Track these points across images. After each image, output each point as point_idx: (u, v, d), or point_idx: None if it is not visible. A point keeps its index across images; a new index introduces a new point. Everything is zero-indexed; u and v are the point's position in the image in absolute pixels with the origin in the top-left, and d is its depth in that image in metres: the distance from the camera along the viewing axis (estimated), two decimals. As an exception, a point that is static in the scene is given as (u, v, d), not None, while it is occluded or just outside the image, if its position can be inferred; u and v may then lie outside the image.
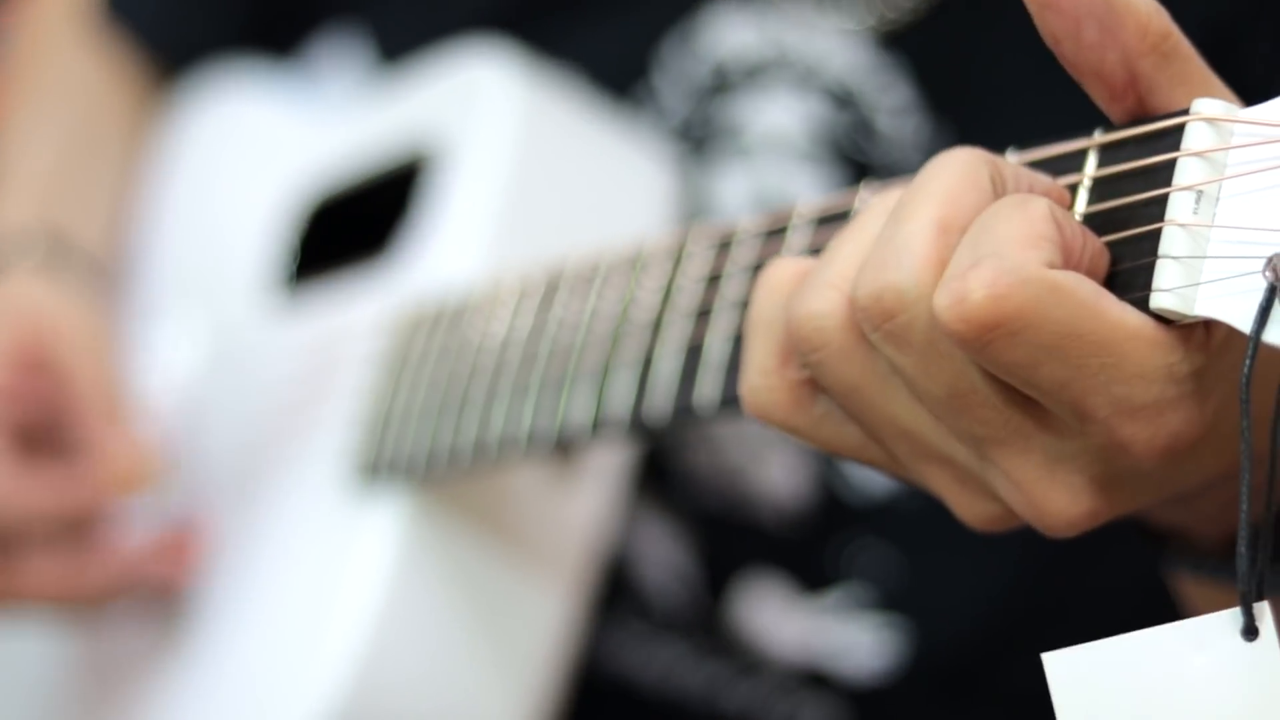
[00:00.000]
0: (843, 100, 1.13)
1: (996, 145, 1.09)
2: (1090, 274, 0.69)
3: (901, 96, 1.11)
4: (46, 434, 1.23)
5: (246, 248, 1.27)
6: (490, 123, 1.12)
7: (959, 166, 0.71)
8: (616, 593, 1.20)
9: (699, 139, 1.16)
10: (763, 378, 0.76)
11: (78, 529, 1.21)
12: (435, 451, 1.03)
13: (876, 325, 0.70)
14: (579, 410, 0.93)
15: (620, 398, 0.90)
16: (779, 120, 1.14)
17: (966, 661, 1.16)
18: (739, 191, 1.15)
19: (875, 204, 0.74)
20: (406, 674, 1.04)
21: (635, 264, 0.92)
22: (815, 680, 1.18)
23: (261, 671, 1.10)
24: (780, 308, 0.75)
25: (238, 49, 1.37)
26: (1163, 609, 0.83)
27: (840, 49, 1.13)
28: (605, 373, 0.91)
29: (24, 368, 1.23)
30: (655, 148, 1.15)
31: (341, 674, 1.03)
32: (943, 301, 0.67)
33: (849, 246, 0.73)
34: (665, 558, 1.19)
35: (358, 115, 1.26)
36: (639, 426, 0.89)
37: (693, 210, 1.15)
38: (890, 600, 1.15)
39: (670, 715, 1.22)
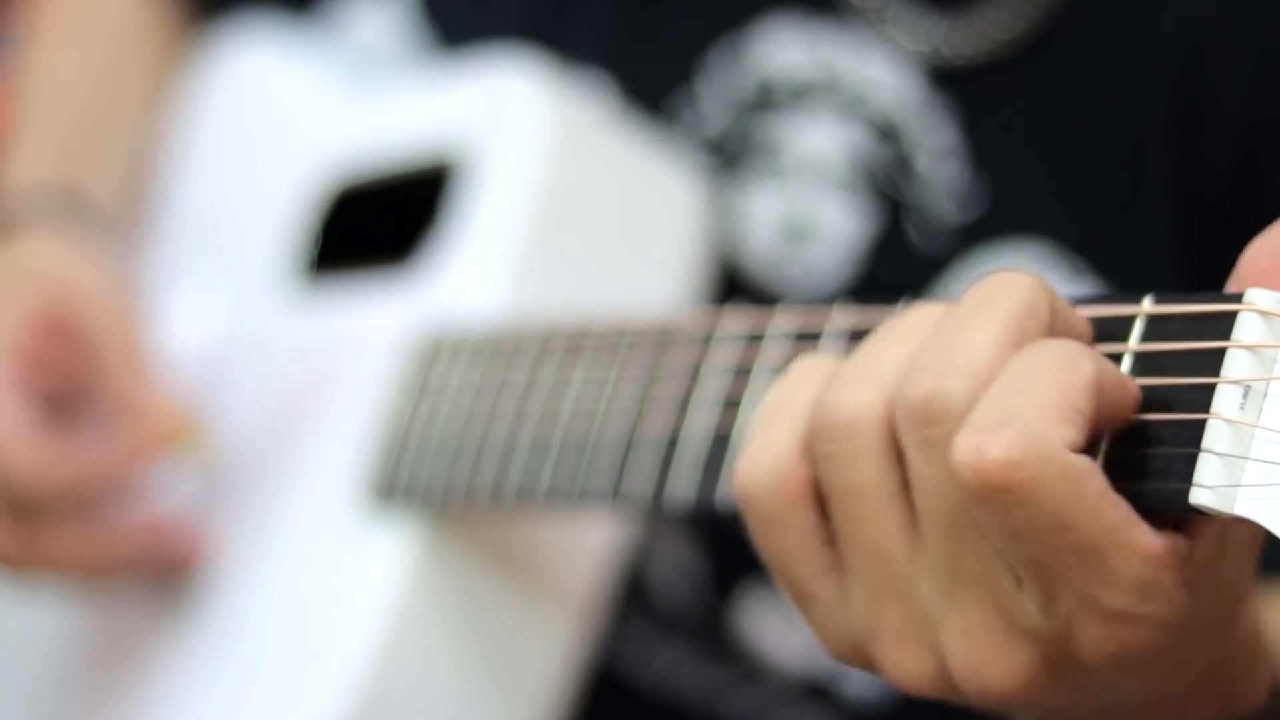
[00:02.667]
0: (885, 134, 1.11)
1: (1028, 211, 1.09)
2: (1115, 417, 0.69)
3: (945, 140, 1.10)
4: (71, 402, 1.21)
5: (269, 223, 1.26)
6: (522, 142, 1.10)
7: (1024, 291, 0.70)
8: (623, 587, 1.20)
9: (734, 153, 1.15)
10: (772, 460, 0.74)
11: (100, 500, 1.19)
12: (451, 488, 1.02)
13: (917, 427, 0.69)
14: (600, 479, 0.92)
15: (642, 476, 0.89)
16: (818, 145, 1.13)
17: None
18: (769, 211, 1.14)
19: (919, 312, 0.73)
20: (408, 704, 1.04)
21: (664, 337, 0.91)
22: (815, 693, 1.18)
23: (262, 684, 1.10)
24: (809, 397, 0.74)
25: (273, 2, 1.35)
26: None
27: (891, 82, 1.11)
28: (629, 446, 0.90)
29: (48, 332, 1.21)
30: (687, 166, 1.14)
31: (344, 699, 1.03)
32: (960, 447, 0.67)
33: (896, 347, 0.72)
34: (674, 556, 1.19)
35: (388, 100, 1.24)
36: (660, 510, 0.88)
37: (722, 228, 1.14)
38: None
39: (668, 716, 1.22)
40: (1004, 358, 0.68)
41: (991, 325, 0.69)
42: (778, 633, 1.17)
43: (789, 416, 0.74)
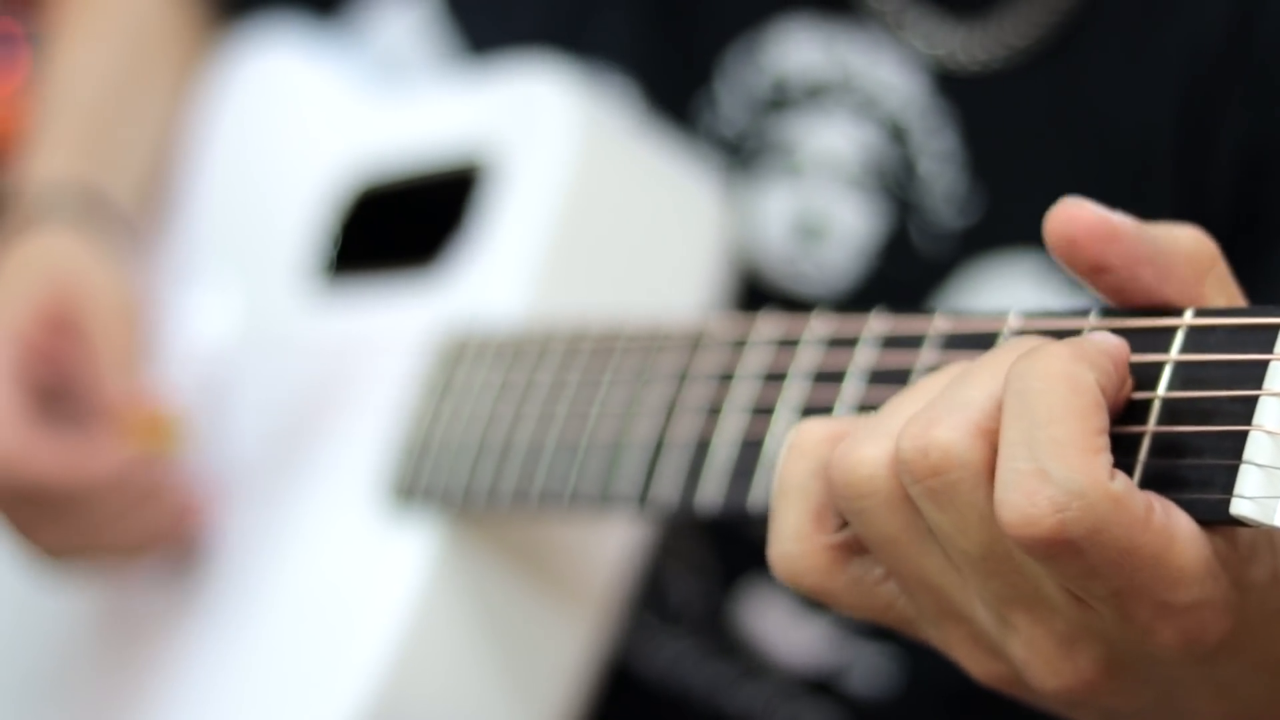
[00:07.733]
0: (894, 135, 1.12)
1: (1025, 222, 1.09)
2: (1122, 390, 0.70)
3: (946, 145, 1.11)
4: (63, 398, 1.21)
5: (290, 223, 1.26)
6: (547, 147, 1.11)
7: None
8: (640, 584, 1.20)
9: (751, 152, 1.16)
10: (795, 543, 0.76)
11: (77, 498, 1.19)
12: (474, 490, 1.03)
13: (918, 479, 0.70)
14: (626, 483, 0.92)
15: (670, 479, 0.89)
16: (833, 143, 1.13)
17: (963, 689, 1.17)
18: (783, 210, 1.14)
19: (945, 370, 0.75)
20: (426, 701, 1.04)
21: (695, 341, 0.91)
22: (818, 688, 1.19)
23: (281, 680, 1.10)
24: (811, 474, 0.76)
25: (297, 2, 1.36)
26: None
27: (898, 84, 1.12)
28: (657, 450, 0.91)
29: (53, 327, 1.21)
30: (707, 170, 1.14)
31: (362, 695, 1.04)
32: (1010, 517, 0.67)
33: (910, 403, 0.73)
34: (682, 550, 1.20)
35: (413, 103, 1.24)
36: (688, 513, 0.89)
37: (737, 225, 1.14)
38: (880, 629, 1.15)
39: (673, 708, 1.23)
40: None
41: (993, 378, 0.70)
42: (781, 628, 1.18)
43: (795, 495, 0.76)
